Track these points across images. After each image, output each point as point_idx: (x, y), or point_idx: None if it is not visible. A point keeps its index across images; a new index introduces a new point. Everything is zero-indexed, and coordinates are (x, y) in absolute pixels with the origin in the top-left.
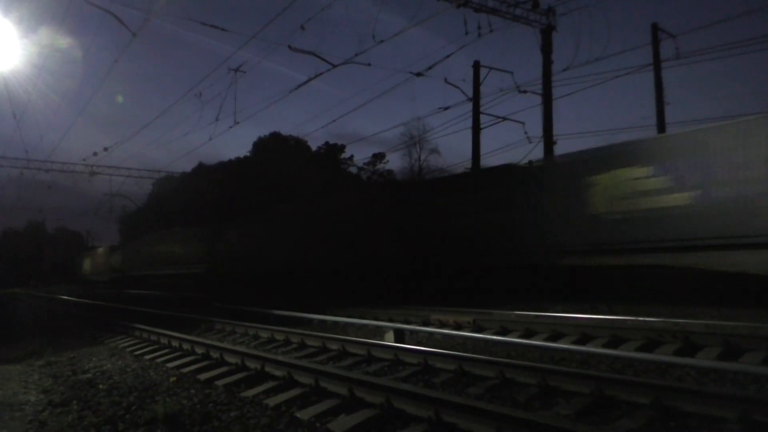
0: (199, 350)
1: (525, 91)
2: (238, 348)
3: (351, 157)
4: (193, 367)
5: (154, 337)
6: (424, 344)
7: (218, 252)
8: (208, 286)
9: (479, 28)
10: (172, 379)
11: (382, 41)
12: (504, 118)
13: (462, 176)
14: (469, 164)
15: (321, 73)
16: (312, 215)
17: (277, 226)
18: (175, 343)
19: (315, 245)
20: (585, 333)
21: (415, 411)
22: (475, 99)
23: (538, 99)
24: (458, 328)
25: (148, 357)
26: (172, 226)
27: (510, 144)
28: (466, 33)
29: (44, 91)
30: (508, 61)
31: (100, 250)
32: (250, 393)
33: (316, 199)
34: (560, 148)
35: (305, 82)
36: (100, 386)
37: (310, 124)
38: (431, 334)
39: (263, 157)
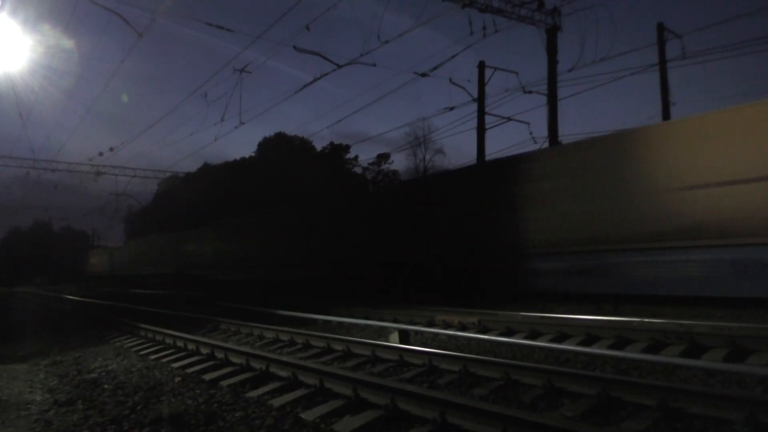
0: (204, 350)
1: (530, 92)
2: (242, 348)
3: (356, 157)
4: (198, 367)
5: (159, 337)
6: (429, 345)
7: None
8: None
9: (484, 28)
10: (177, 379)
11: (387, 41)
12: (509, 119)
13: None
14: (474, 164)
15: (326, 74)
16: (316, 216)
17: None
18: (180, 343)
19: (322, 246)
20: (590, 334)
21: (421, 412)
22: (480, 99)
23: (544, 99)
24: (463, 328)
25: (153, 357)
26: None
27: (515, 144)
28: (471, 33)
29: (50, 91)
30: (513, 61)
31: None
32: (254, 393)
33: (324, 198)
34: None
35: (310, 83)
36: (106, 386)
37: (315, 124)
38: (436, 334)
39: (268, 157)
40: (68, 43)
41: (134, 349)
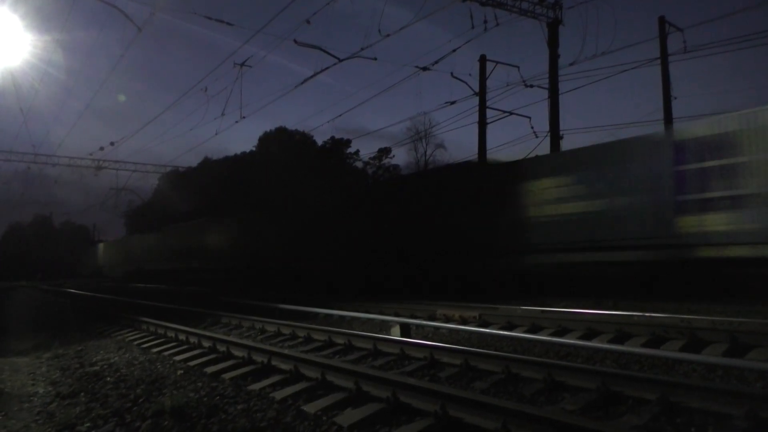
0: (206, 344)
1: (531, 86)
2: (244, 341)
3: (357, 152)
4: (199, 361)
5: (161, 331)
6: (430, 339)
7: None
8: None
9: (485, 21)
10: (179, 372)
11: (388, 35)
12: (510, 113)
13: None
14: (475, 159)
15: (327, 68)
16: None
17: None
18: (182, 337)
19: (321, 242)
20: (591, 328)
21: (422, 405)
22: (482, 93)
23: (545, 93)
24: (464, 322)
25: (155, 350)
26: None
27: (516, 138)
28: (473, 27)
29: (51, 86)
30: (514, 55)
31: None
32: (256, 386)
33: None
34: (567, 143)
35: (311, 77)
36: (108, 379)
37: (315, 119)
38: (437, 328)
39: (269, 151)
40: (68, 38)
41: (136, 343)
